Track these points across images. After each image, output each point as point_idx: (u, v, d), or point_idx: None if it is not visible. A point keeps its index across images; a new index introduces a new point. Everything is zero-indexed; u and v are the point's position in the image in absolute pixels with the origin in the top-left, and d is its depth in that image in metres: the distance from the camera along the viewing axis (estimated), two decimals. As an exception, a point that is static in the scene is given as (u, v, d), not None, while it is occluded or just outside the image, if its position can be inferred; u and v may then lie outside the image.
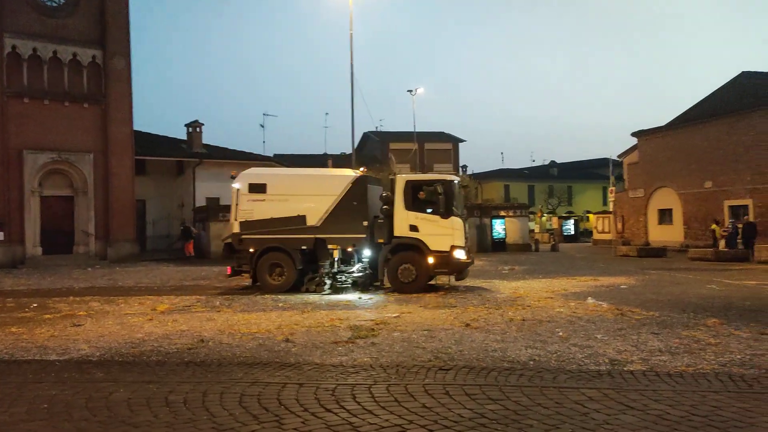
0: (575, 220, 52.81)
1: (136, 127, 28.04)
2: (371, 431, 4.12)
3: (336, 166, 42.05)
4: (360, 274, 13.87)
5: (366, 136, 57.70)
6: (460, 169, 53.80)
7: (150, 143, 32.02)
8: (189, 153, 32.86)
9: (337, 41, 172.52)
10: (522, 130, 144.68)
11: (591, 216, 49.42)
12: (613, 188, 31.84)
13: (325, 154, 52.20)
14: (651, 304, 10.88)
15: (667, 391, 5.23)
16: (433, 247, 13.35)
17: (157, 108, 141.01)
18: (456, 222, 13.56)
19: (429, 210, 13.60)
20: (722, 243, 25.67)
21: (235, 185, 14.34)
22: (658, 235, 34.48)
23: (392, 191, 13.85)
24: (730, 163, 30.17)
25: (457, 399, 4.96)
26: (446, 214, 13.50)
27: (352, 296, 12.85)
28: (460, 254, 13.48)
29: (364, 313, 10.29)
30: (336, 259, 13.86)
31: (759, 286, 14.02)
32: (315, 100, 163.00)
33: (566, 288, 13.94)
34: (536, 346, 7.28)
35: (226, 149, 35.36)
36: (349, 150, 32.44)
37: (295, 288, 13.69)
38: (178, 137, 35.07)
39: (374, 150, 54.41)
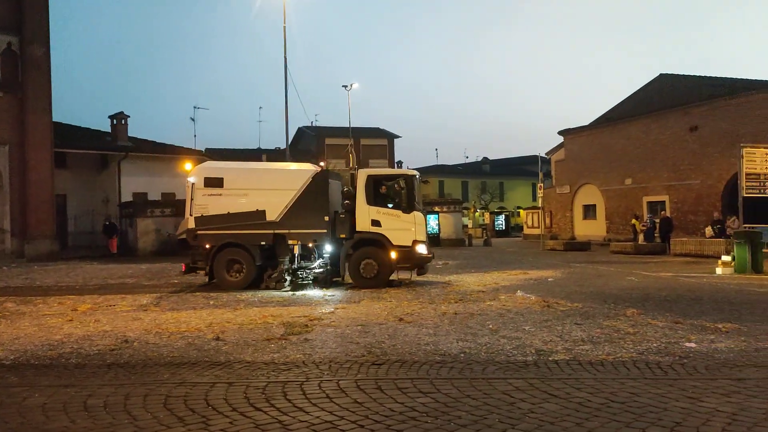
0: (507, 216, 54.28)
1: (56, 119, 26.69)
2: (301, 429, 4.07)
3: (270, 160, 41.50)
4: (321, 270, 13.61)
5: (301, 131, 57.16)
6: (396, 164, 54.12)
7: (72, 135, 30.55)
8: (114, 146, 31.56)
9: (271, 34, 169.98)
10: (456, 127, 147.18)
11: (521, 211, 50.86)
12: (542, 185, 32.95)
13: (259, 149, 51.39)
14: (575, 296, 11.31)
15: (589, 379, 5.45)
16: (395, 242, 13.38)
17: (80, 99, 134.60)
18: (418, 217, 13.67)
19: (391, 205, 13.64)
20: (641, 237, 27.01)
21: (190, 179, 13.91)
22: (584, 229, 35.92)
23: (353, 186, 13.76)
24: (649, 161, 31.75)
25: (388, 393, 4.98)
26: (408, 208, 13.59)
27: (313, 292, 12.63)
28: (422, 249, 13.57)
29: (298, 309, 10.18)
30: (296, 254, 13.59)
31: (674, 277, 14.83)
32: (248, 94, 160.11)
33: (497, 281, 14.29)
34: (467, 339, 7.42)
35: (153, 142, 34.19)
36: (283, 145, 32.02)
37: (255, 285, 13.40)
38: (103, 129, 33.65)
39: (309, 145, 54.00)
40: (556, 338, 7.40)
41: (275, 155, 43.46)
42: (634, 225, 28.28)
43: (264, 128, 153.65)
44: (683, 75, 34.80)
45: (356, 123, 53.41)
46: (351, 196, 13.77)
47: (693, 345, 6.88)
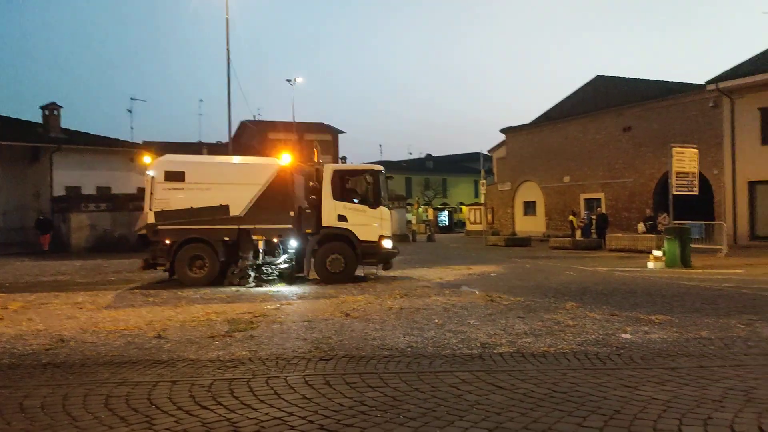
0: (450, 212, 55.10)
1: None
2: (250, 426, 4.02)
3: (212, 154, 40.55)
4: (286, 265, 13.52)
5: (243, 125, 56.08)
6: (340, 160, 53.94)
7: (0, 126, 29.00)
8: (45, 138, 30.15)
9: (214, 26, 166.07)
10: (400, 124, 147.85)
11: (464, 207, 51.74)
12: (484, 181, 33.59)
13: (200, 143, 50.24)
14: (518, 290, 11.60)
15: (532, 370, 5.60)
16: (362, 237, 13.44)
17: (9, 89, 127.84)
18: (384, 212, 13.84)
19: (357, 200, 13.64)
20: (579, 233, 27.94)
21: (149, 173, 13.49)
22: (524, 225, 36.85)
23: (318, 181, 13.63)
24: (586, 160, 32.86)
25: (337, 388, 4.98)
26: (375, 204, 13.68)
27: (280, 288, 12.55)
28: (388, 244, 13.76)
29: (242, 306, 10.03)
30: (260, 250, 13.42)
31: (609, 272, 15.42)
32: (189, 86, 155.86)
33: (441, 276, 14.49)
34: (414, 334, 7.49)
35: (88, 134, 32.90)
36: (225, 138, 31.37)
37: (217, 281, 13.12)
38: (34, 121, 32.08)
39: (252, 139, 53.08)
40: (500, 331, 7.57)
41: (217, 149, 42.56)
42: (571, 221, 29.24)
43: (205, 122, 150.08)
44: (618, 77, 36.15)
45: (300, 118, 52.92)
46: (316, 191, 13.69)
47: (629, 336, 7.18)
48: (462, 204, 58.73)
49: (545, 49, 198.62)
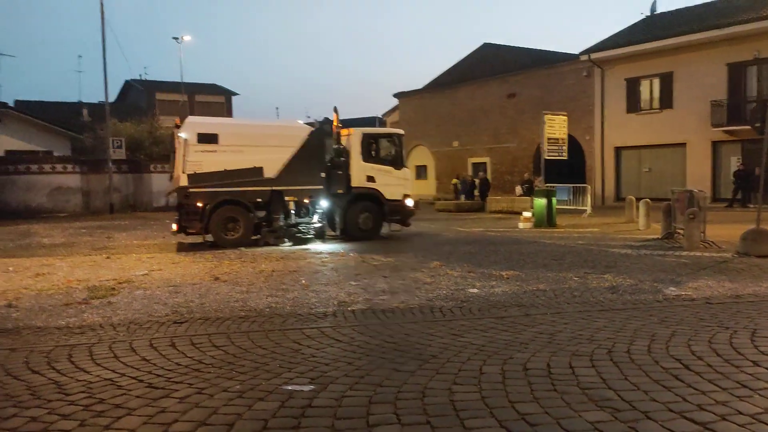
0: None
1: None
2: (77, 388, 4.09)
3: (92, 115, 38.12)
4: (320, 224, 14.14)
5: (129, 85, 53.15)
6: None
7: None
8: None
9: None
10: (298, 87, 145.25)
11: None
12: (376, 146, 33.94)
13: (80, 102, 47.02)
14: (390, 252, 12.10)
15: (376, 325, 6.00)
16: (388, 197, 14.55)
17: None
18: (407, 172, 15.18)
19: (383, 162, 14.74)
20: (463, 197, 29.21)
21: (182, 135, 13.06)
22: (416, 189, 37.72)
23: (339, 143, 14.34)
24: (473, 125, 34.13)
25: (181, 349, 5.12)
26: (399, 165, 14.90)
27: (317, 246, 13.28)
28: (410, 202, 14.98)
29: (108, 273, 9.80)
30: (291, 210, 13.79)
31: (483, 232, 16.37)
32: (65, 43, 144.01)
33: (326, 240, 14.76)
34: (277, 295, 7.71)
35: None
36: (109, 99, 29.69)
37: (251, 241, 13.40)
38: None
39: (139, 100, 50.41)
40: (361, 290, 7.96)
41: (98, 109, 40.07)
42: (455, 184, 30.44)
43: (86, 79, 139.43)
44: (504, 45, 37.52)
45: (192, 79, 50.82)
46: (344, 153, 14.36)
47: (476, 291, 7.79)
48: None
49: (439, 13, 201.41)
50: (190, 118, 14.33)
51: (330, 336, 5.53)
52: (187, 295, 7.78)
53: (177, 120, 13.98)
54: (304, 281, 8.73)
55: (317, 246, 13.35)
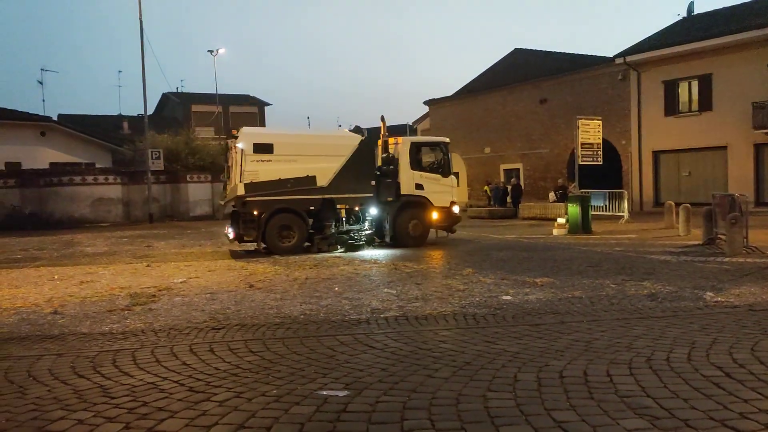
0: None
1: None
2: (121, 391, 4.22)
3: (132, 127, 39.16)
4: (370, 231, 14.46)
5: (166, 97, 54.38)
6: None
7: None
8: (-56, 110, 28.35)
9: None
10: (329, 96, 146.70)
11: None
12: (408, 153, 33.99)
13: (120, 116, 48.35)
14: (422, 259, 12.11)
15: (409, 331, 6.03)
16: (436, 204, 14.83)
17: None
18: (453, 180, 15.41)
19: (430, 170, 15.12)
20: (495, 203, 29.01)
21: (239, 145, 13.52)
22: (448, 196, 37.73)
23: (387, 152, 14.68)
24: (505, 131, 33.92)
25: (219, 355, 5.24)
26: (446, 172, 15.17)
27: (368, 252, 13.59)
28: (457, 209, 15.35)
29: (149, 281, 10.05)
30: (342, 218, 14.14)
31: (516, 239, 16.24)
32: (105, 57, 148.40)
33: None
34: (311, 302, 7.79)
35: (-6, 107, 31.07)
36: (147, 112, 30.45)
37: (304, 248, 13.87)
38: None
39: (175, 112, 51.56)
40: (394, 297, 7.99)
41: (138, 122, 41.08)
42: (486, 191, 30.25)
43: (125, 94, 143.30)
44: (535, 50, 37.23)
45: (225, 90, 51.78)
46: (393, 162, 14.65)
47: (509, 298, 7.75)
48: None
49: (466, 19, 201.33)
50: (246, 129, 14.56)
51: (364, 342, 5.58)
52: (224, 302, 7.93)
53: (234, 131, 14.41)
54: (337, 288, 8.81)
55: (358, 253, 13.44)
